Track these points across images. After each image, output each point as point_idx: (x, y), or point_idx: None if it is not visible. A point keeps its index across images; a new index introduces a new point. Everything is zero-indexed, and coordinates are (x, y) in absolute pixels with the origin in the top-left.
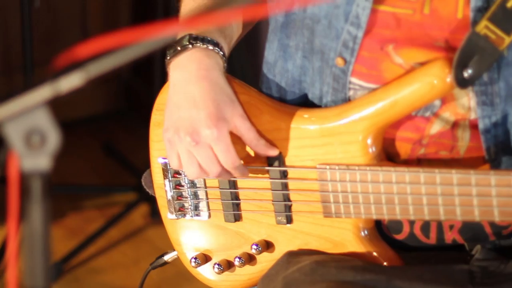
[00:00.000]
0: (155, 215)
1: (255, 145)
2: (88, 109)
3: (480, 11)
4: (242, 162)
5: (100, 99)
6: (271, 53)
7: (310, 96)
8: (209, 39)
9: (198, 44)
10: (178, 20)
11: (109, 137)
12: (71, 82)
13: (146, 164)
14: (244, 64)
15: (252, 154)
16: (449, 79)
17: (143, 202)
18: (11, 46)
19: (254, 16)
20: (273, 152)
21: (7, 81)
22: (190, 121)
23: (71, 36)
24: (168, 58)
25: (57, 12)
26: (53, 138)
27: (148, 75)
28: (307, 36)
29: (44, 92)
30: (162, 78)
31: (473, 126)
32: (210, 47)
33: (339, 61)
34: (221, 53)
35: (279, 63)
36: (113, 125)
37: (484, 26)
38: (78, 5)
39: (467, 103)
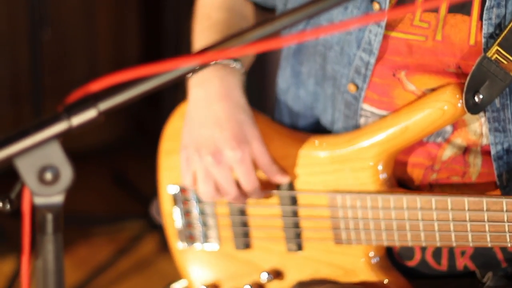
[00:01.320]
0: (164, 245)
1: (268, 170)
2: (97, 138)
3: (492, 37)
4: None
5: (110, 128)
6: (283, 79)
7: (321, 122)
8: None
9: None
10: (192, 56)
11: (118, 166)
12: (83, 117)
13: (156, 193)
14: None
15: (263, 179)
16: (460, 104)
17: (152, 231)
18: (20, 75)
19: (267, 49)
20: (284, 179)
21: (16, 111)
22: (212, 140)
23: (79, 67)
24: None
25: (66, 43)
26: (67, 174)
27: (157, 103)
28: (319, 62)
29: (57, 127)
30: (171, 105)
31: (485, 152)
32: (232, 64)
33: (351, 87)
34: (242, 70)
35: (292, 90)
36: (123, 153)
37: (495, 52)
38: (87, 36)
39: (479, 129)
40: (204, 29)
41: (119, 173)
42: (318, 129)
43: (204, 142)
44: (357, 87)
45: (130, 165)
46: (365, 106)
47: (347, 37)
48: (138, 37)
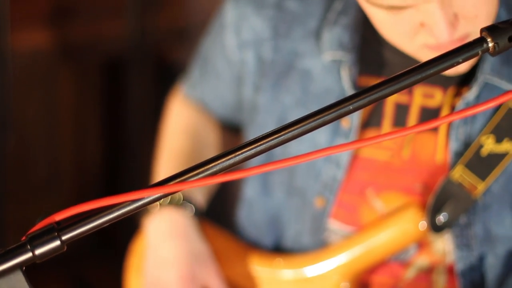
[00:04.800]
0: None
1: None
2: None
3: (458, 155)
4: None
5: None
6: (250, 189)
7: (287, 236)
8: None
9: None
10: (154, 188)
11: (79, 274)
12: (47, 247)
13: None
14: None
15: None
16: (423, 225)
17: None
18: None
19: (227, 180)
20: None
21: None
22: (161, 281)
23: (40, 172)
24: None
25: (28, 150)
26: None
27: None
28: (288, 173)
29: (20, 257)
30: (134, 215)
31: (450, 269)
32: (184, 203)
33: (318, 202)
34: (192, 205)
35: (258, 200)
36: (84, 261)
37: (459, 172)
38: (49, 143)
39: (443, 246)
40: (166, 157)
41: (81, 280)
42: (283, 242)
43: (155, 283)
44: (324, 201)
45: (91, 273)
46: (332, 221)
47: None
48: (99, 145)
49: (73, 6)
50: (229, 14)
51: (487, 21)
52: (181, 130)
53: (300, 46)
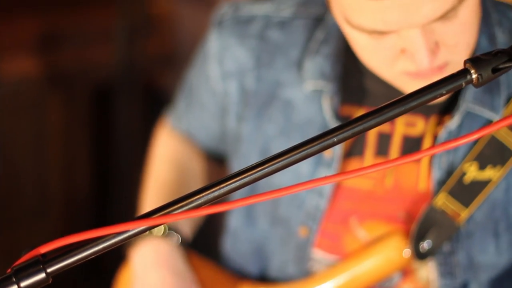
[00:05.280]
0: None
1: None
2: None
3: (441, 183)
4: None
5: None
6: (235, 220)
7: (272, 265)
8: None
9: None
10: (138, 221)
11: None
12: (32, 279)
13: None
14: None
15: None
16: (407, 253)
17: None
18: None
19: (212, 213)
20: None
21: None
22: None
23: (29, 200)
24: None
25: (16, 178)
26: None
27: None
28: (272, 203)
29: None
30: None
31: None
32: (169, 233)
33: (302, 231)
34: (178, 235)
35: (243, 230)
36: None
37: (442, 199)
38: (37, 171)
39: (427, 274)
40: (152, 189)
41: None
42: (268, 272)
43: None
44: (307, 231)
45: None
46: (316, 251)
47: (300, 180)
48: (88, 171)
49: (62, 32)
50: (213, 45)
51: (467, 49)
52: (167, 162)
53: (283, 76)
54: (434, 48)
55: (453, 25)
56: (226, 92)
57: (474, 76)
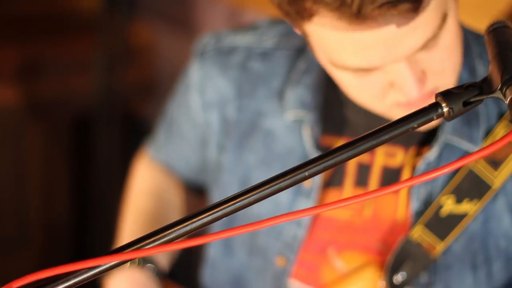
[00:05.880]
0: None
1: None
2: None
3: (419, 214)
4: None
5: None
6: (213, 250)
7: None
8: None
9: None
10: (113, 255)
11: None
12: None
13: None
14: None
15: None
16: (381, 285)
17: None
18: None
19: (188, 247)
20: None
21: None
22: None
23: (9, 229)
24: None
25: None
26: None
27: None
28: (250, 233)
29: None
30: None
31: None
32: (144, 265)
33: (280, 261)
34: (153, 265)
35: (221, 260)
36: None
37: (418, 232)
38: (17, 201)
39: None
40: (130, 220)
41: None
42: None
43: None
44: (285, 261)
45: None
46: (292, 281)
47: (278, 210)
48: (68, 201)
49: (41, 62)
50: (194, 75)
51: (454, 73)
52: (146, 192)
53: (264, 106)
54: (422, 77)
55: (437, 52)
56: (207, 122)
57: (445, 109)
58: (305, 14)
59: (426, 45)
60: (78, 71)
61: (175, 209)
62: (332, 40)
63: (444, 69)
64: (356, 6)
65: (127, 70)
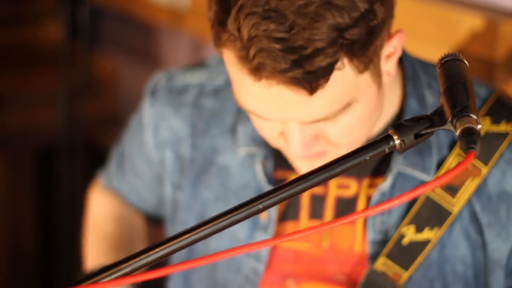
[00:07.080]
0: None
1: None
2: None
3: (376, 245)
4: None
5: None
6: (172, 285)
7: None
8: None
9: None
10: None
11: None
12: None
13: None
14: None
15: None
16: None
17: None
18: None
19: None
20: None
21: None
22: None
23: None
24: None
25: None
26: None
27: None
28: (210, 269)
29: None
30: None
31: None
32: None
33: None
34: None
35: None
36: None
37: (382, 263)
38: None
39: None
40: (94, 243)
41: None
42: None
43: None
44: None
45: None
46: None
47: (237, 245)
48: (33, 233)
49: (4, 95)
50: (147, 115)
51: (351, 147)
52: (105, 217)
53: (218, 142)
54: (310, 141)
55: (334, 128)
56: (161, 161)
57: (397, 142)
58: (219, 43)
59: (324, 119)
60: (42, 104)
61: (137, 231)
62: (235, 76)
63: (339, 143)
64: (256, 64)
65: (91, 102)
